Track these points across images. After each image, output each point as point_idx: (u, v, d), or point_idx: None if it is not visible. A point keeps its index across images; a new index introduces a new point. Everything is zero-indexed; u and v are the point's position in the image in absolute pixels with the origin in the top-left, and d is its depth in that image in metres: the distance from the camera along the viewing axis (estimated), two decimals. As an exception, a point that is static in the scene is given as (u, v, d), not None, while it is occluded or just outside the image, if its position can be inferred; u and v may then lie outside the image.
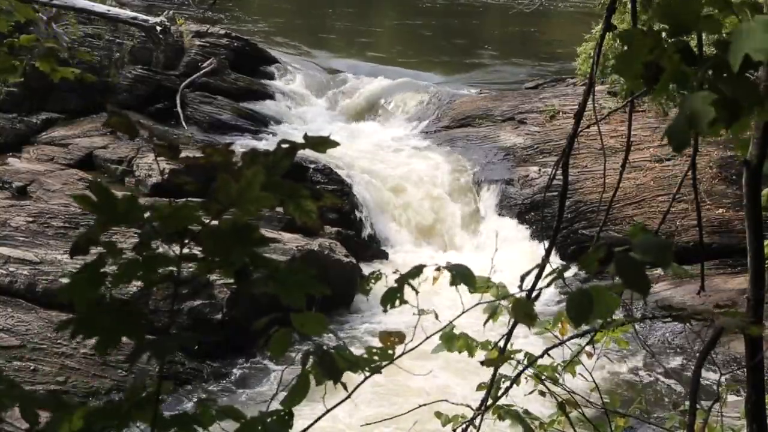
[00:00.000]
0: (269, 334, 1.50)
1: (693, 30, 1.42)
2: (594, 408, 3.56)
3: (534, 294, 2.37)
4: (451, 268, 1.88)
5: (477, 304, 2.40)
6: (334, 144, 1.36)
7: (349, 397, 1.64)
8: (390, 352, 1.63)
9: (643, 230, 1.50)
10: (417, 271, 1.82)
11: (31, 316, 7.56)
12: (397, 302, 1.90)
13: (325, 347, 1.48)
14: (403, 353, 1.74)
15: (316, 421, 1.50)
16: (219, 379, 7.85)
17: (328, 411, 1.54)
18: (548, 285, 1.74)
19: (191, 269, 1.31)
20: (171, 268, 1.29)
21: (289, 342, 1.50)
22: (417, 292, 1.84)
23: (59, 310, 7.66)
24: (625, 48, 1.43)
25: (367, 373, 1.55)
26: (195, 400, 7.25)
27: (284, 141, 1.31)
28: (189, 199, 1.38)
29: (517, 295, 2.02)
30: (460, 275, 1.87)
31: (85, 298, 1.29)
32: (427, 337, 2.31)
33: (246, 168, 1.23)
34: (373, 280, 2.03)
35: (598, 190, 10.29)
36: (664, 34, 1.43)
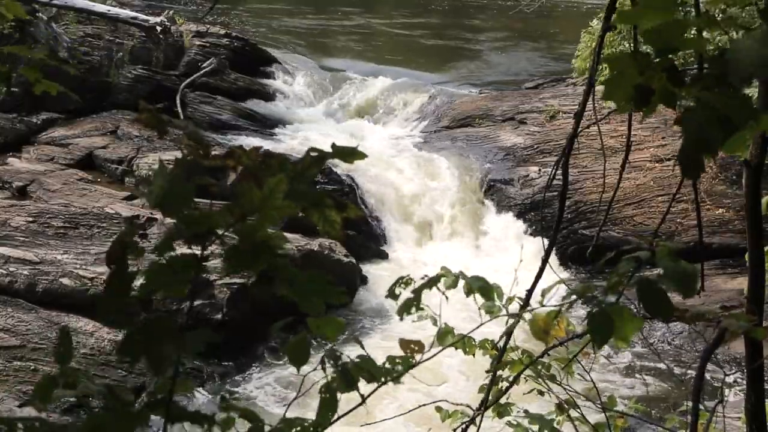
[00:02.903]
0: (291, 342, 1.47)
1: (679, 49, 1.42)
2: (593, 408, 3.56)
3: (531, 298, 2.37)
4: (469, 279, 1.87)
5: (493, 318, 2.39)
6: (363, 155, 1.32)
7: (363, 402, 1.63)
8: (410, 360, 1.62)
9: (669, 255, 1.48)
10: (435, 280, 1.82)
11: (31, 316, 7.55)
12: (413, 310, 1.90)
13: (337, 353, 1.46)
14: (420, 362, 1.73)
15: (329, 424, 1.49)
16: (219, 380, 7.84)
17: (340, 417, 1.54)
18: (571, 304, 1.72)
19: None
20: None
21: (308, 349, 1.44)
22: (447, 299, 1.83)
23: (59, 309, 7.66)
24: (615, 73, 1.43)
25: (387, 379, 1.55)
26: (194, 399, 7.24)
27: (313, 149, 1.29)
28: (213, 201, 1.37)
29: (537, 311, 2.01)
30: (478, 288, 1.87)
31: (114, 306, 1.28)
32: (444, 347, 2.30)
33: (270, 175, 1.22)
34: (403, 285, 2.01)
35: (598, 190, 10.28)
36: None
